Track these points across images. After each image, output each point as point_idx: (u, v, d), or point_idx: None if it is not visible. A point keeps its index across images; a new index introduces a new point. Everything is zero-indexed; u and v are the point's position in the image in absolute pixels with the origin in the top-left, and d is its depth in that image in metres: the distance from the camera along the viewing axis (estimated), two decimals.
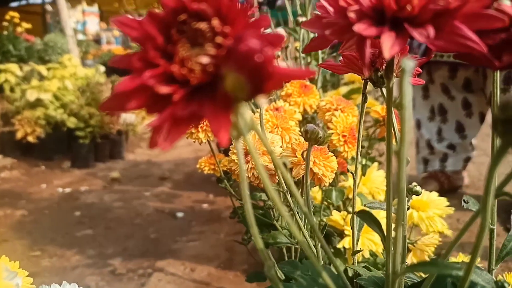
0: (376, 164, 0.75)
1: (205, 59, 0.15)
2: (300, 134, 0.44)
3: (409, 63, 0.14)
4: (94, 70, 2.88)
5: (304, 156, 0.34)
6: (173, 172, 2.31)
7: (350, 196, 0.64)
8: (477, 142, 1.77)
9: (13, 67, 2.64)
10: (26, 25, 3.19)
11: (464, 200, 0.39)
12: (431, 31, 0.16)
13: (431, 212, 0.58)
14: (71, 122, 2.46)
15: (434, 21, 0.16)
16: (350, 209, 0.46)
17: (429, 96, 1.68)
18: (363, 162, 0.65)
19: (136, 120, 2.87)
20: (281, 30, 0.94)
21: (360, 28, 0.16)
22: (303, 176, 0.38)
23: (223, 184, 0.54)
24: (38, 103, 2.47)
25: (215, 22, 0.15)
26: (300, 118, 0.51)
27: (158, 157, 2.69)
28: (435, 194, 0.61)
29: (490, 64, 0.18)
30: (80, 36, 4.98)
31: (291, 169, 0.38)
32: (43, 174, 2.32)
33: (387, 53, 0.16)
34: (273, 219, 0.44)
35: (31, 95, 2.41)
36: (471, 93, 1.59)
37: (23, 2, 9.80)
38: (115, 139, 2.60)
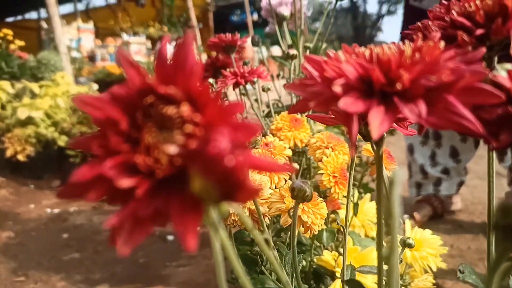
0: (368, 195, 0.73)
1: (172, 149, 0.14)
2: (289, 174, 0.43)
3: (400, 174, 0.13)
4: (87, 88, 2.87)
5: (291, 214, 0.33)
6: None
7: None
8: (470, 165, 1.77)
9: (5, 84, 2.62)
10: (19, 43, 3.19)
11: (459, 270, 0.37)
12: (423, 108, 0.15)
13: (424, 252, 0.57)
14: (62, 141, 2.43)
15: (426, 95, 0.15)
16: (341, 250, 0.44)
17: None
18: (355, 194, 0.64)
19: None
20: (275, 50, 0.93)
21: (346, 103, 0.15)
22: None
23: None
24: (29, 121, 2.44)
25: (185, 108, 0.14)
26: (290, 154, 0.50)
27: None
28: (428, 232, 0.59)
29: (487, 142, 0.17)
30: (75, 53, 4.98)
31: (278, 216, 0.37)
32: (32, 194, 2.28)
33: (375, 132, 0.14)
34: (261, 264, 0.42)
35: (22, 113, 2.39)
36: None
37: (19, 18, 9.84)
38: None
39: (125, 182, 0.14)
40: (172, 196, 0.14)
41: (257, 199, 0.38)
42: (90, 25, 5.99)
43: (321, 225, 0.39)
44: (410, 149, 1.75)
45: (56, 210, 2.04)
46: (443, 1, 0.28)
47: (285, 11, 0.82)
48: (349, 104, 0.15)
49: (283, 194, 0.38)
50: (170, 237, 1.67)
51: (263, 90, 0.58)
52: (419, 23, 0.28)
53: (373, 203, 0.72)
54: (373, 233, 0.62)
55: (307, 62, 0.18)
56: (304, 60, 0.18)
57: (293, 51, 0.59)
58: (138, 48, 5.67)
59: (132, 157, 0.14)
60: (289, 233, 0.40)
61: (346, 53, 0.18)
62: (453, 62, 0.15)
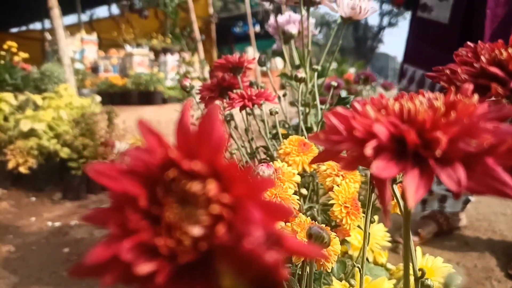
0: (376, 217, 0.72)
1: (196, 231, 0.13)
2: (298, 203, 0.42)
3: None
4: (90, 100, 2.87)
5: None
6: None
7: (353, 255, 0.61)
8: None
9: (8, 96, 2.63)
10: (23, 55, 3.20)
11: None
12: (462, 175, 0.14)
13: (436, 282, 0.55)
14: (64, 153, 2.43)
15: (463, 157, 0.14)
16: (352, 281, 0.43)
17: None
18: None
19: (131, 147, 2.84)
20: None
21: (379, 168, 0.14)
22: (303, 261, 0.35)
23: None
24: (31, 133, 2.44)
25: (211, 186, 0.13)
26: (299, 180, 0.49)
27: None
28: (440, 260, 0.58)
29: None
30: (78, 65, 5.00)
31: None
32: (33, 206, 2.27)
33: (411, 200, 0.13)
34: None
35: (25, 125, 2.39)
36: None
37: (23, 28, 9.93)
38: None
39: (144, 268, 0.13)
40: (197, 284, 0.13)
41: None
42: (94, 36, 6.03)
43: (334, 261, 0.37)
44: None
45: (57, 224, 2.02)
46: (469, 43, 0.27)
47: (293, 29, 0.81)
48: (382, 169, 0.14)
49: (295, 229, 0.37)
50: None
51: (271, 113, 0.57)
52: (446, 69, 0.27)
53: (381, 225, 0.71)
54: (383, 259, 0.60)
55: (332, 115, 0.17)
56: (329, 113, 0.17)
57: (301, 74, 0.58)
58: (141, 60, 5.69)
59: (152, 238, 0.13)
60: (298, 264, 0.39)
61: (373, 105, 0.17)
62: (491, 120, 0.14)
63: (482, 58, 0.23)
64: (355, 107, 0.17)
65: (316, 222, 0.61)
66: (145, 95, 4.82)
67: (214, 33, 8.35)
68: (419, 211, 1.76)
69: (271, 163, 0.49)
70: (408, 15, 1.61)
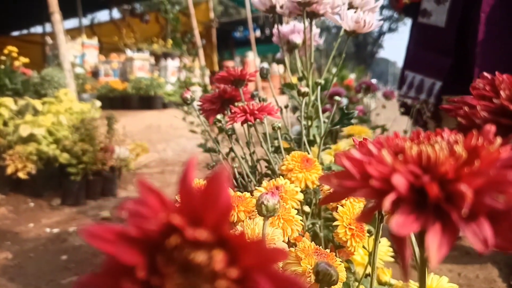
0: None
1: None
2: (302, 224, 0.41)
3: None
4: (90, 105, 2.87)
5: (308, 279, 0.31)
6: None
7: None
8: None
9: (8, 101, 2.62)
10: (24, 60, 3.20)
11: None
12: (488, 232, 0.13)
13: None
14: (64, 158, 2.42)
15: (489, 211, 0.13)
16: None
17: None
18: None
19: (130, 155, 2.83)
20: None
21: (398, 224, 0.13)
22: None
23: None
24: (31, 138, 2.43)
25: (218, 258, 0.12)
26: (302, 198, 0.48)
27: None
28: (445, 280, 0.57)
29: None
30: (78, 69, 5.00)
31: None
32: (32, 212, 2.25)
33: (435, 259, 0.12)
34: None
35: (24, 130, 2.38)
36: None
37: (24, 32, 9.94)
38: (107, 176, 2.55)
39: None
40: None
41: None
42: (95, 40, 6.03)
43: (340, 286, 0.36)
44: None
45: (56, 230, 2.01)
46: (485, 74, 0.26)
47: (297, 39, 0.81)
48: (401, 225, 0.13)
49: (300, 255, 0.36)
50: None
51: (273, 129, 0.56)
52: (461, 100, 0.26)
53: (384, 240, 0.69)
54: (386, 278, 0.59)
55: (345, 158, 0.16)
56: (342, 156, 0.16)
57: (304, 89, 0.57)
58: (142, 64, 5.69)
59: None
60: None
61: (389, 148, 0.16)
62: None
63: (502, 93, 0.22)
64: (370, 150, 0.16)
65: (319, 237, 0.60)
66: (145, 99, 4.81)
67: (214, 38, 8.37)
68: None
69: (275, 189, 0.48)
70: (408, 21, 1.61)
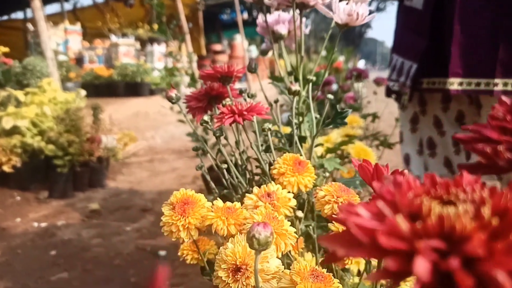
0: None
1: None
2: (295, 236, 0.38)
3: None
4: (75, 95, 2.80)
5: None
6: (155, 203, 2.22)
7: None
8: None
9: None
10: (4, 49, 3.09)
11: None
12: None
13: None
14: (49, 150, 2.36)
15: None
16: None
17: (417, 129, 1.65)
18: None
19: (118, 145, 2.78)
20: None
21: None
22: None
23: (207, 276, 0.48)
24: (14, 130, 2.36)
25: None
26: (295, 204, 0.46)
27: (140, 184, 2.60)
28: None
29: None
30: (62, 57, 4.87)
31: None
32: (18, 207, 2.21)
33: None
34: None
35: (7, 123, 2.31)
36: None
37: (5, 17, 9.65)
38: (95, 166, 2.51)
39: None
40: None
41: (260, 275, 0.34)
42: (78, 26, 5.87)
43: None
44: (407, 160, 1.72)
45: (44, 224, 1.97)
46: (504, 98, 0.24)
47: (283, 29, 0.77)
48: None
49: (295, 279, 0.34)
50: (162, 252, 1.62)
51: (263, 130, 0.53)
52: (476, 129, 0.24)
53: None
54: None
55: (351, 221, 0.13)
56: (347, 215, 0.14)
57: (295, 87, 0.54)
58: (127, 50, 5.57)
59: None
60: None
61: (402, 204, 0.13)
62: None
63: None
64: (381, 209, 0.13)
65: (312, 239, 0.58)
66: (132, 86, 4.73)
67: (201, 21, 8.22)
68: None
69: (267, 196, 0.45)
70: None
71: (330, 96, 0.56)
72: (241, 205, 0.45)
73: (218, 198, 0.46)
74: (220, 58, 7.81)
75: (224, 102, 0.57)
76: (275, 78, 0.82)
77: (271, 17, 0.78)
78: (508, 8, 1.20)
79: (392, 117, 1.74)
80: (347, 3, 0.55)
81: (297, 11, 0.63)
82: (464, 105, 1.51)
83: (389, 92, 1.57)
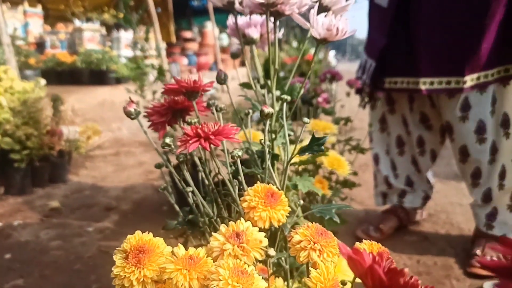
0: None
1: None
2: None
3: None
4: (34, 84, 2.63)
5: None
6: (120, 200, 2.13)
7: None
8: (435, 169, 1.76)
9: None
10: None
11: None
12: None
13: None
14: (5, 143, 2.22)
15: None
16: None
17: (386, 128, 1.64)
18: None
19: (81, 138, 2.65)
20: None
21: None
22: None
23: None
24: None
25: None
26: (267, 244, 0.41)
27: (105, 180, 2.50)
28: None
29: None
30: (21, 42, 4.61)
31: None
32: None
33: None
34: None
35: None
36: (427, 130, 1.56)
37: None
38: (55, 161, 2.38)
39: None
40: None
41: None
42: (39, 9, 5.56)
43: None
44: (376, 159, 1.71)
45: None
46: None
47: (254, 33, 0.72)
48: None
49: None
50: None
51: (232, 158, 0.48)
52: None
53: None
54: None
55: None
56: None
57: (268, 109, 0.48)
58: (92, 35, 5.33)
59: None
60: None
61: None
62: None
63: None
64: None
65: (283, 269, 0.54)
66: (96, 74, 4.54)
67: (171, 6, 7.99)
68: (379, 204, 1.75)
69: (235, 236, 0.40)
70: None
71: (306, 120, 0.52)
72: (206, 245, 0.40)
73: (183, 222, 0.41)
74: (190, 46, 7.64)
75: (189, 119, 0.51)
76: (245, 84, 0.76)
77: (242, 20, 0.73)
78: (473, 7, 1.19)
79: (364, 118, 1.72)
80: (325, 16, 0.50)
81: (271, 18, 0.58)
82: (427, 107, 1.51)
83: (357, 90, 1.55)
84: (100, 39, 5.54)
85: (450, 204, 1.95)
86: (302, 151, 0.50)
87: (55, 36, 5.27)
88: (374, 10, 1.47)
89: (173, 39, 8.00)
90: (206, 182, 0.55)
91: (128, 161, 2.94)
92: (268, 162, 0.50)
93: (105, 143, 3.38)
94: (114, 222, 1.88)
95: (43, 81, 2.79)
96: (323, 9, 0.55)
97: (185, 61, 6.82)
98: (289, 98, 0.52)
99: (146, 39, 1.87)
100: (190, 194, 0.53)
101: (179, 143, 0.45)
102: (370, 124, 1.65)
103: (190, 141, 0.44)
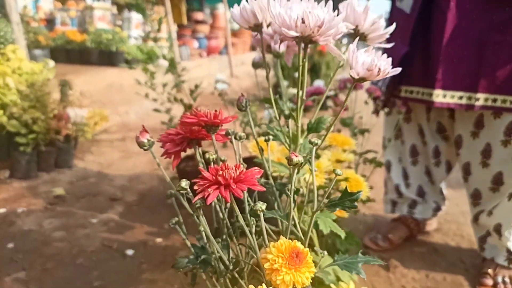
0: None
1: None
2: None
3: None
4: (42, 65, 2.59)
5: None
6: (125, 191, 2.11)
7: None
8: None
9: None
10: None
11: None
12: None
13: None
14: (12, 126, 2.19)
15: None
16: None
17: (401, 136, 1.59)
18: None
19: (88, 123, 2.61)
20: None
21: None
22: None
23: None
24: None
25: None
26: None
27: (111, 167, 2.47)
28: None
29: None
30: (31, 18, 4.54)
31: None
32: None
33: None
34: None
35: None
36: (444, 140, 1.51)
37: None
38: (62, 146, 2.36)
39: None
40: None
41: None
42: None
43: None
44: (388, 167, 1.66)
45: (2, 210, 1.84)
46: None
47: (281, 48, 0.67)
48: None
49: None
50: (130, 252, 1.53)
51: (254, 212, 0.44)
52: None
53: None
54: None
55: None
56: None
57: (297, 158, 0.43)
58: (102, 14, 5.24)
59: None
60: None
61: None
62: None
63: None
64: None
65: None
66: (106, 54, 4.48)
67: None
68: (388, 212, 1.71)
69: None
70: None
71: (339, 171, 0.47)
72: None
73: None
74: (201, 28, 7.52)
75: (208, 155, 0.47)
76: (267, 100, 0.72)
77: (267, 32, 0.68)
78: (496, 24, 1.13)
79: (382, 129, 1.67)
80: (365, 51, 0.45)
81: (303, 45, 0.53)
82: (444, 118, 1.46)
83: (374, 98, 1.49)
84: (111, 18, 5.45)
85: (461, 214, 1.91)
86: (332, 205, 0.45)
87: (66, 13, 5.19)
88: (396, 15, 1.40)
89: (184, 20, 7.89)
90: (222, 217, 0.51)
91: (135, 148, 2.90)
92: (293, 212, 0.46)
93: (112, 127, 3.35)
94: (118, 213, 1.85)
95: (51, 63, 2.75)
96: (359, 36, 0.50)
97: (195, 44, 6.73)
98: (319, 142, 0.47)
99: (158, 30, 1.81)
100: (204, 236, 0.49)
101: (196, 188, 0.41)
102: (389, 139, 1.59)
103: (209, 189, 0.40)
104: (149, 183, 2.23)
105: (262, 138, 0.91)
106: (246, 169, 0.44)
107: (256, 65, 0.82)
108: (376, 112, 1.54)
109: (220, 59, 6.82)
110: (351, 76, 0.47)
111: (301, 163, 0.44)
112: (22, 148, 2.19)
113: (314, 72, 4.61)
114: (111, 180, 2.27)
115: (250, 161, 1.16)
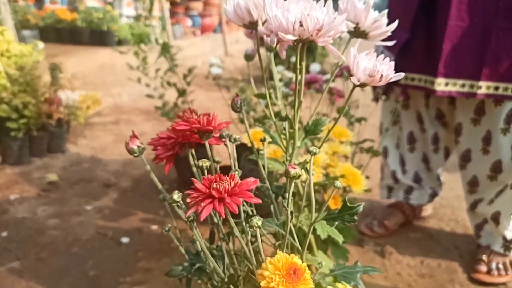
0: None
1: None
2: None
3: None
4: (32, 47, 2.52)
5: None
6: (120, 176, 2.09)
7: None
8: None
9: None
10: None
11: None
12: None
13: None
14: (2, 111, 2.14)
15: None
16: None
17: (398, 122, 1.57)
18: None
19: (80, 106, 2.56)
20: None
21: None
22: None
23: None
24: None
25: None
26: None
27: (104, 152, 2.44)
28: None
29: None
30: None
31: None
32: None
33: None
34: None
35: None
36: (443, 127, 1.50)
37: None
38: (54, 131, 2.32)
39: None
40: None
41: None
42: None
43: None
44: (385, 152, 1.65)
45: None
46: None
47: (275, 41, 0.64)
48: None
49: None
50: (125, 239, 1.52)
51: (251, 227, 0.42)
52: None
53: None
54: None
55: None
56: None
57: (295, 170, 0.41)
58: None
59: None
60: None
61: None
62: None
63: None
64: None
65: None
66: (97, 34, 4.38)
67: None
68: (384, 197, 1.71)
69: None
70: None
71: (338, 183, 0.45)
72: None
73: None
74: (194, 5, 7.36)
75: (201, 163, 0.45)
76: (260, 96, 0.69)
77: (262, 28, 0.64)
78: (501, 9, 1.10)
79: (379, 119, 1.65)
80: (366, 54, 0.43)
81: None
82: (444, 104, 1.44)
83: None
84: None
85: (456, 199, 1.91)
86: (331, 219, 0.44)
87: None
88: (395, 1, 1.36)
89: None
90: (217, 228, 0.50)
91: (128, 131, 2.85)
92: (290, 224, 0.44)
93: (104, 109, 3.30)
94: (113, 200, 1.84)
95: (41, 44, 2.67)
96: (360, 34, 0.47)
97: (188, 22, 6.60)
98: (318, 151, 0.45)
99: (150, 10, 1.75)
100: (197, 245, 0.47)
101: (189, 201, 0.39)
102: (386, 129, 1.57)
103: (202, 204, 0.38)
104: (143, 168, 2.21)
105: (258, 128, 0.89)
106: (240, 159, 0.41)
107: (248, 57, 0.79)
108: (375, 99, 1.52)
109: (214, 38, 6.70)
110: (351, 81, 0.44)
111: (299, 176, 0.42)
112: (14, 133, 2.15)
113: (310, 51, 4.54)
114: (105, 165, 2.24)
115: (244, 148, 1.14)
